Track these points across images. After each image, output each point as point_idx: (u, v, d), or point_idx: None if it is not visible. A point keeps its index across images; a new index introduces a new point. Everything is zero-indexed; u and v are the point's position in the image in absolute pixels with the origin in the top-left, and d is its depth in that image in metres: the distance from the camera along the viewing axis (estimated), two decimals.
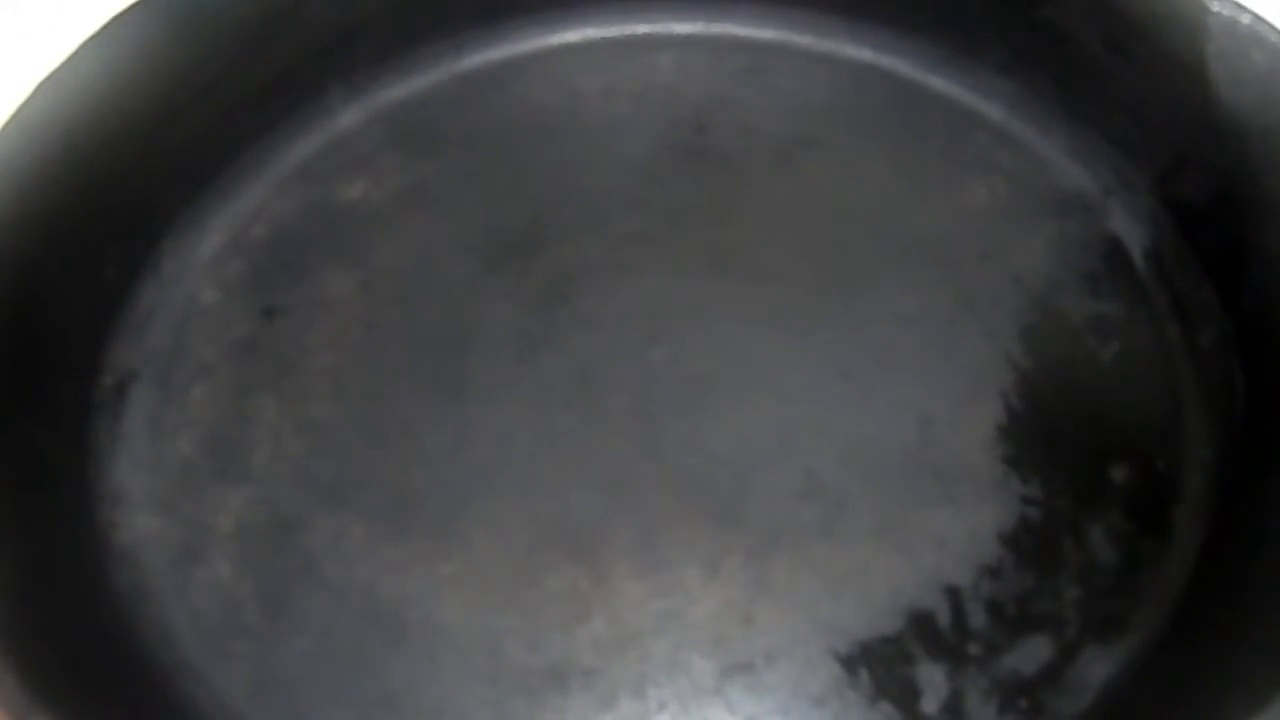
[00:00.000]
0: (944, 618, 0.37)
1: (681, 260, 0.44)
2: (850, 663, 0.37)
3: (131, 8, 0.42)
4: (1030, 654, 0.37)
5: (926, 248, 0.44)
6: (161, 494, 0.40)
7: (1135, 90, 0.44)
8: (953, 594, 0.38)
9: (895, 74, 0.49)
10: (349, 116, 0.48)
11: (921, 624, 0.37)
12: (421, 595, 0.38)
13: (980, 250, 0.44)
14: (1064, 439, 0.40)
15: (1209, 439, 0.40)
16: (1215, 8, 0.41)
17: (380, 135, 0.48)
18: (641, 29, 0.50)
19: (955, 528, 0.39)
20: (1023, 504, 0.39)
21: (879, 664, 0.37)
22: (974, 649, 0.37)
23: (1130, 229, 0.45)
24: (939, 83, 0.48)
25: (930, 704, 0.36)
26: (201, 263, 0.45)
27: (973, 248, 0.44)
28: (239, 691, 0.37)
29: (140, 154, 0.43)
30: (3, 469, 0.37)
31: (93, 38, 0.41)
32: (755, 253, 0.45)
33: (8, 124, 0.39)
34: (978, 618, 0.37)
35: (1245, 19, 0.41)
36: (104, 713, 0.34)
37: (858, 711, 0.36)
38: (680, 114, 0.48)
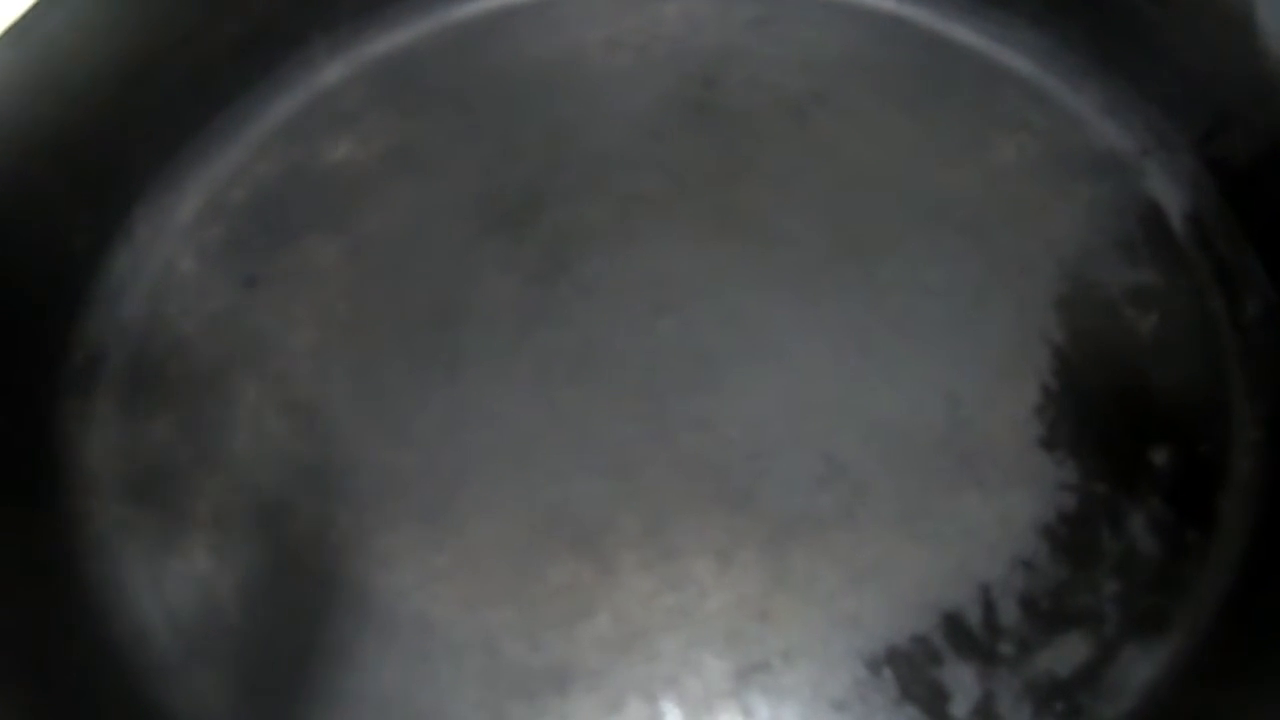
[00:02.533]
0: (974, 614, 0.35)
1: (690, 225, 0.42)
2: (874, 663, 0.34)
3: None
4: (1066, 653, 0.34)
5: (951, 212, 0.42)
6: (135, 480, 0.38)
7: (1176, 42, 0.41)
8: (983, 588, 0.35)
9: (918, 24, 0.46)
10: (333, 71, 0.45)
11: (950, 621, 0.35)
12: (413, 589, 0.36)
13: (1009, 214, 0.41)
14: (1100, 420, 0.38)
15: (1256, 419, 0.38)
16: None
17: (366, 91, 0.45)
18: None
19: (985, 516, 0.36)
20: (1057, 490, 0.36)
21: (904, 664, 0.34)
22: (1006, 648, 0.34)
23: (1170, 191, 0.42)
24: (965, 33, 0.45)
25: (960, 707, 0.34)
26: (177, 229, 0.42)
27: (1001, 212, 0.41)
28: (219, 695, 0.35)
29: (110, 113, 0.40)
30: None
31: None
32: (768, 217, 0.42)
33: None
34: (1010, 614, 0.35)
35: None
36: (70, 716, 0.32)
37: (882, 716, 0.34)
38: (687, 67, 0.45)
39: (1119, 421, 0.38)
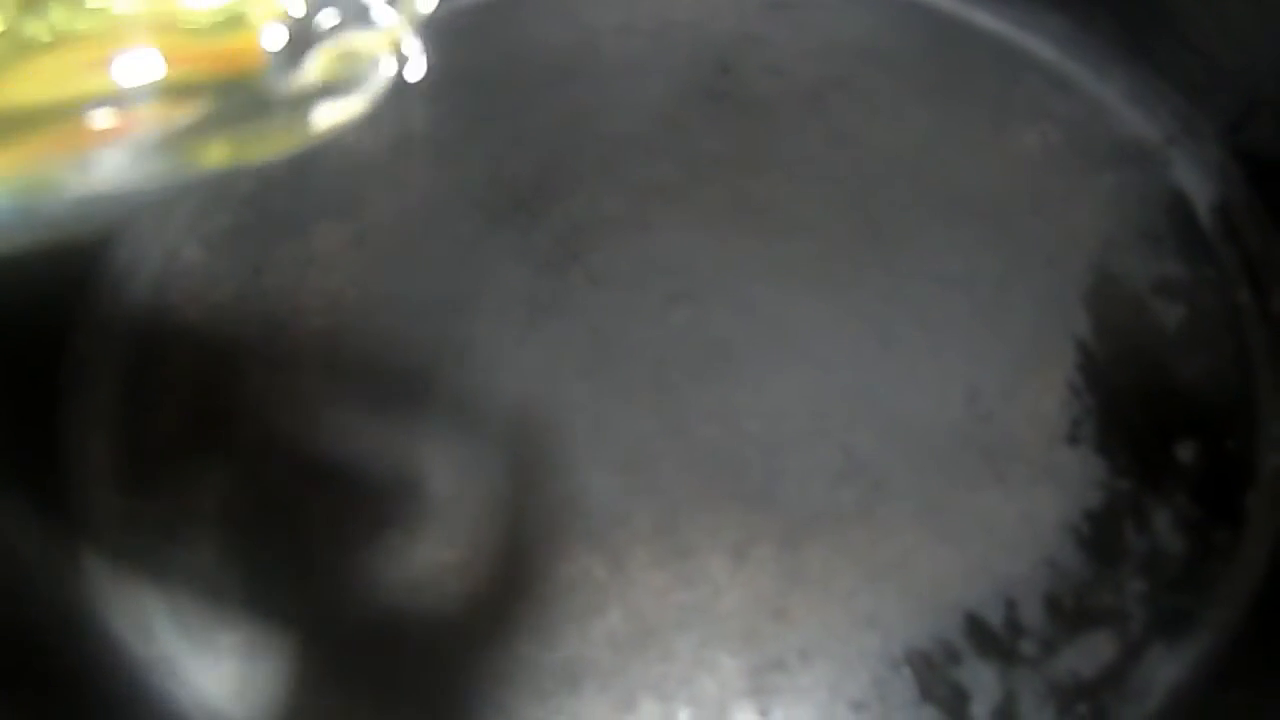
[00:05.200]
0: (995, 613, 0.34)
1: (704, 214, 0.41)
2: (893, 662, 0.34)
3: None
4: (1090, 653, 0.34)
5: (972, 201, 0.41)
6: (139, 471, 0.37)
7: (1203, 28, 0.41)
8: (1005, 587, 0.34)
9: (937, 8, 0.45)
10: None
11: (970, 619, 0.34)
12: (423, 585, 0.35)
13: (1031, 205, 0.41)
14: (1125, 415, 0.37)
15: None
16: None
17: None
18: None
19: (1007, 513, 0.35)
20: (1081, 487, 0.36)
21: (924, 664, 0.34)
22: (1028, 648, 0.34)
23: (1196, 181, 0.41)
24: (985, 19, 0.44)
25: (980, 708, 0.33)
26: (182, 216, 0.41)
27: (1023, 202, 0.41)
28: (223, 690, 0.34)
29: None
30: None
31: None
32: (785, 206, 0.41)
33: None
34: (1032, 613, 0.34)
35: None
36: (73, 713, 0.32)
37: (901, 716, 0.33)
38: (702, 53, 0.44)
39: (1145, 417, 0.37)
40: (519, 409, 0.37)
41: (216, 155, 0.21)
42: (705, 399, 0.37)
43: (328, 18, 0.21)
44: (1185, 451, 0.36)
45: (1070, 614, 0.34)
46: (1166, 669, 0.33)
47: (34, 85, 0.19)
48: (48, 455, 0.37)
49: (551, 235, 0.41)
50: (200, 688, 0.34)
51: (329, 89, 0.21)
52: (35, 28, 0.19)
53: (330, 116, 0.21)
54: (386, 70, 0.21)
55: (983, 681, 0.33)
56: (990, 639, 0.34)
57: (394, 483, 0.36)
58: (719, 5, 0.45)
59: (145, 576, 0.36)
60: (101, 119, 0.20)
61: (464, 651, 0.34)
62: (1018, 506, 0.35)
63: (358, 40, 0.21)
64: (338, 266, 0.40)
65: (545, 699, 0.33)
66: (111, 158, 0.20)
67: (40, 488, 0.36)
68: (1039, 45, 0.44)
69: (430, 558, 0.35)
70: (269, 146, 0.21)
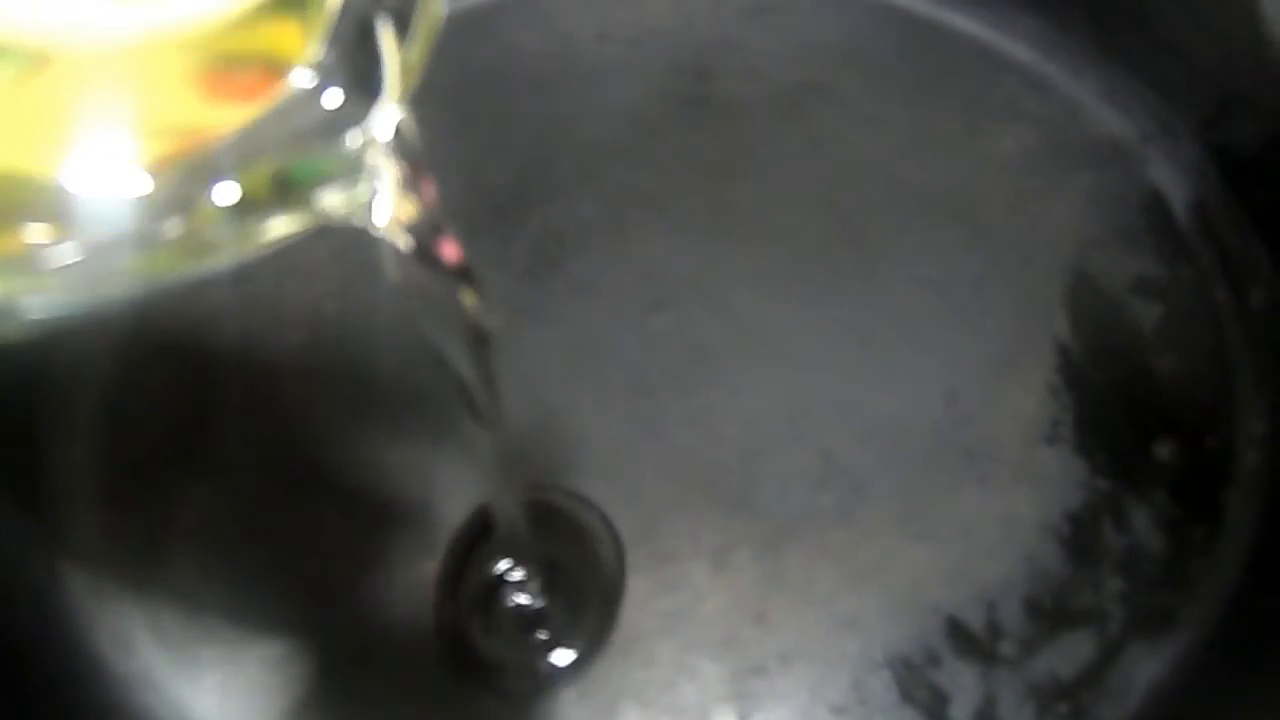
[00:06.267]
0: (975, 614, 0.34)
1: (683, 220, 0.41)
2: (872, 665, 0.34)
3: None
4: (1069, 653, 0.34)
5: (949, 203, 0.41)
6: (119, 484, 0.37)
7: (1177, 26, 0.41)
8: (984, 588, 0.34)
9: (913, 12, 0.45)
10: None
11: (950, 621, 0.34)
12: (403, 595, 0.35)
13: (1008, 205, 0.41)
14: (1103, 414, 0.37)
15: (1262, 412, 0.37)
16: None
17: None
18: None
19: (986, 514, 0.35)
20: (1060, 487, 0.36)
21: (904, 666, 0.34)
22: (1007, 649, 0.34)
23: (1172, 180, 0.41)
24: (961, 21, 0.45)
25: (960, 710, 0.33)
26: None
27: (1000, 203, 0.41)
28: (204, 703, 0.34)
29: None
30: None
31: None
32: (763, 211, 0.41)
33: None
34: (1011, 614, 0.34)
35: None
36: None
37: (881, 718, 0.33)
38: (680, 59, 0.44)
39: (1123, 415, 0.37)
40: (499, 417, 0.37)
41: (156, 265, 0.16)
42: (684, 405, 0.37)
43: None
44: (1164, 450, 0.36)
45: (1049, 614, 0.34)
46: (1146, 667, 0.33)
47: None
48: (28, 469, 0.37)
49: (530, 243, 0.41)
50: (180, 701, 0.34)
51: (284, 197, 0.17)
52: None
53: (282, 226, 0.17)
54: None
55: (962, 683, 0.33)
56: (970, 641, 0.34)
57: (374, 494, 0.36)
58: (696, 11, 0.45)
59: (125, 590, 0.35)
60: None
61: (445, 660, 0.34)
62: (997, 508, 0.35)
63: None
64: (318, 277, 0.40)
65: (526, 706, 0.33)
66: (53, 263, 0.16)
67: (21, 501, 0.36)
68: (1014, 47, 0.44)
69: (409, 567, 0.35)
70: (214, 255, 0.17)
